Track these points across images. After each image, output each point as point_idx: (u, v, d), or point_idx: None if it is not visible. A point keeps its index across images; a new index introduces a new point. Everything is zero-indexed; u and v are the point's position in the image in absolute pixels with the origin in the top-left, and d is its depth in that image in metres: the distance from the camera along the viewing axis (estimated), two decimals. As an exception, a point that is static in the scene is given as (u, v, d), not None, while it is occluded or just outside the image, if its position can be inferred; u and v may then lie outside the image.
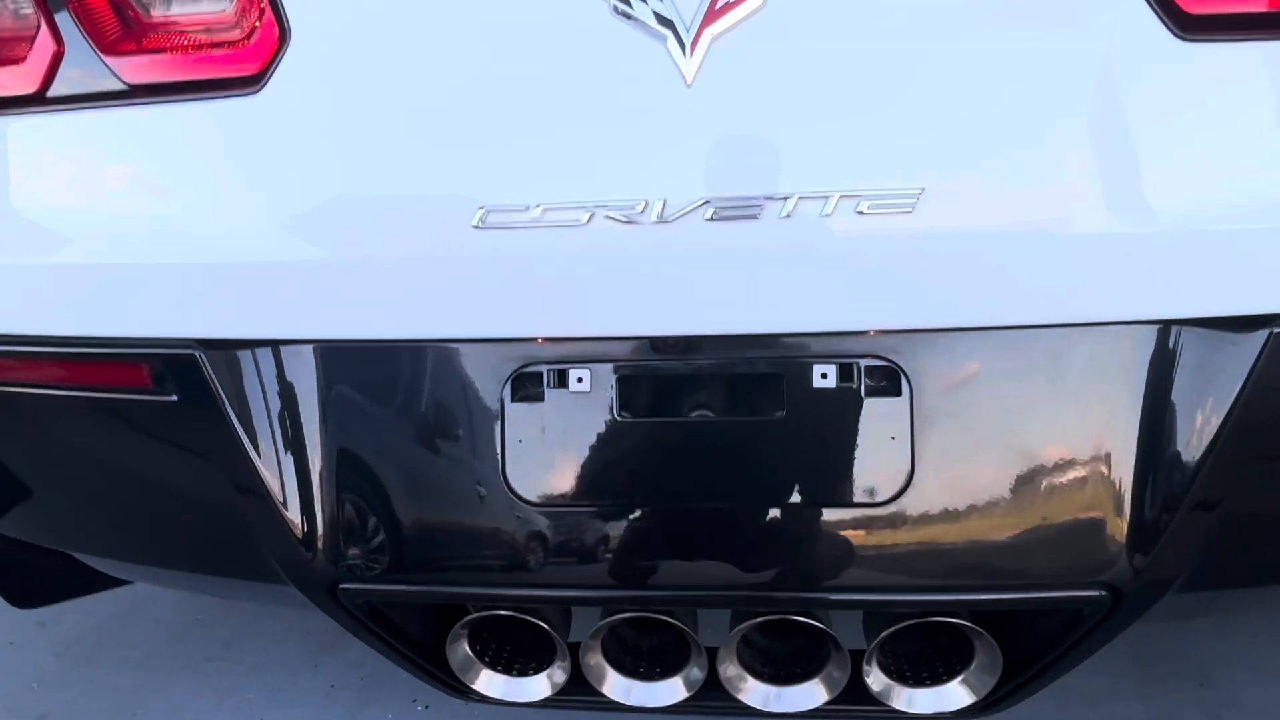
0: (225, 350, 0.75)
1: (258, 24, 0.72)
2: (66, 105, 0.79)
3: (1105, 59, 0.64)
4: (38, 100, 0.80)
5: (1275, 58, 0.64)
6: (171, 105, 0.74)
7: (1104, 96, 0.64)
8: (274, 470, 0.77)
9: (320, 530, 0.77)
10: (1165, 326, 0.66)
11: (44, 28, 0.79)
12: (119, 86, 0.77)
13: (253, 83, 0.72)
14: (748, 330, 0.69)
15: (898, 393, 0.69)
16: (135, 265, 0.75)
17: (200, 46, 0.74)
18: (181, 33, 0.75)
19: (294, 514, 0.77)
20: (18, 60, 0.80)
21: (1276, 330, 0.64)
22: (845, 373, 0.70)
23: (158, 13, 0.75)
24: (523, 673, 0.86)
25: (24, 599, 1.12)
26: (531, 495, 0.74)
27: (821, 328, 0.68)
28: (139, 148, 0.77)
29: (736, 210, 0.65)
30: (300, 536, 0.77)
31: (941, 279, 0.66)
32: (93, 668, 1.41)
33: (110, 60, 0.77)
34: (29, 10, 0.79)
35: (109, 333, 0.76)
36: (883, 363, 0.69)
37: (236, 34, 0.72)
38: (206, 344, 0.75)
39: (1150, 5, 0.63)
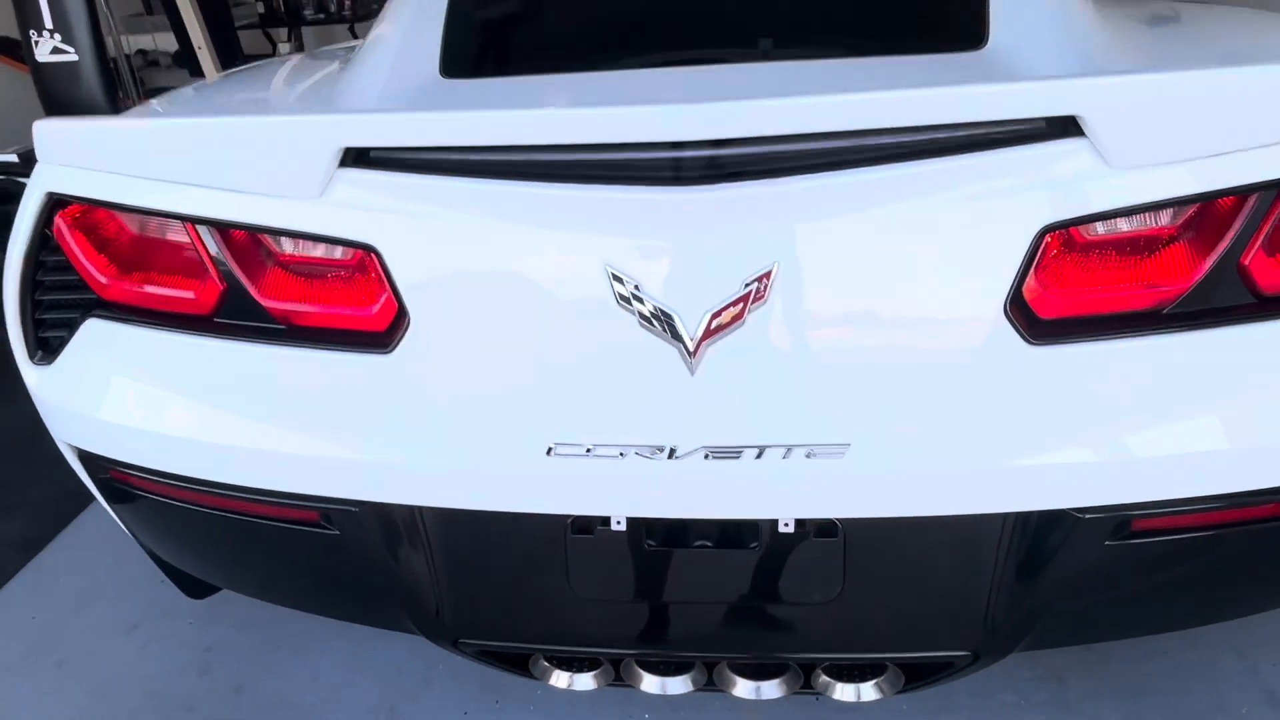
0: (377, 507, 1.09)
1: (393, 318, 1.00)
2: (229, 334, 1.08)
3: (975, 358, 0.94)
4: (205, 324, 1.09)
5: (1108, 353, 0.94)
6: (327, 351, 1.03)
7: (971, 387, 0.94)
8: (411, 574, 1.13)
9: (447, 608, 1.15)
10: (1003, 517, 1.00)
11: (213, 271, 1.07)
12: (274, 327, 1.06)
13: (385, 346, 1.01)
14: (732, 516, 1.03)
15: (834, 535, 1.05)
16: (320, 457, 1.06)
17: (340, 319, 1.03)
18: (325, 312, 1.03)
19: (427, 597, 1.15)
20: (192, 292, 1.08)
21: (1077, 519, 0.99)
22: (800, 524, 1.05)
23: (308, 300, 1.03)
24: (579, 671, 1.27)
25: (195, 594, 1.52)
26: (585, 592, 1.11)
27: (782, 515, 1.02)
28: (317, 377, 1.05)
29: (724, 454, 0.97)
30: (433, 610, 1.15)
31: (858, 491, 0.99)
32: (231, 604, 1.84)
33: (264, 303, 1.06)
34: (212, 254, 1.06)
35: (305, 490, 1.09)
36: (824, 520, 1.04)
37: (377, 322, 1.01)
38: (363, 504, 1.09)
39: (1006, 315, 0.92)
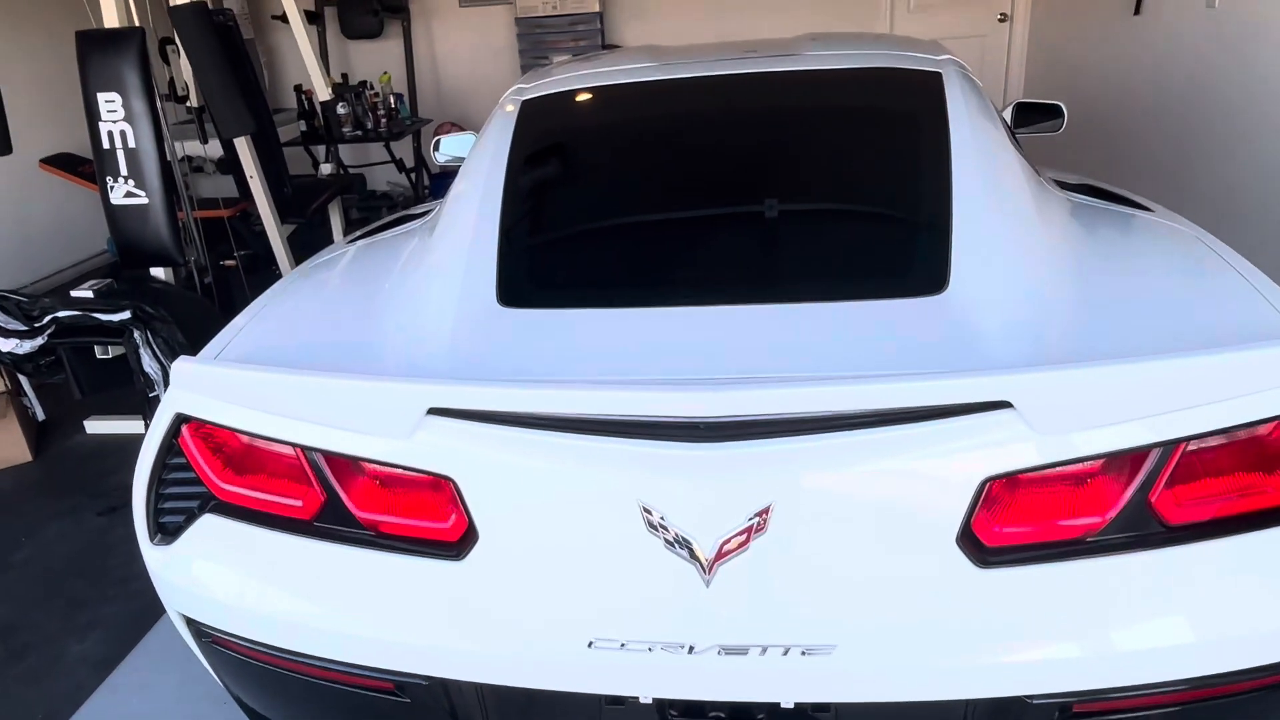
0: (444, 681, 1.31)
1: (464, 533, 1.24)
2: (325, 536, 1.32)
3: (935, 579, 1.16)
4: (306, 527, 1.33)
5: (1045, 574, 1.16)
6: (409, 556, 1.27)
7: (932, 601, 1.17)
8: None
9: None
10: (964, 703, 1.21)
11: (315, 484, 1.31)
12: (363, 534, 1.30)
13: (457, 555, 1.24)
14: (742, 700, 1.24)
15: (827, 712, 1.26)
16: (397, 641, 1.29)
17: (420, 530, 1.26)
18: (408, 524, 1.27)
19: None
20: (298, 500, 1.33)
21: (1026, 703, 1.20)
22: (799, 704, 1.25)
23: (394, 513, 1.27)
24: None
25: None
26: None
27: (783, 700, 1.24)
28: (400, 576, 1.29)
29: (734, 651, 1.19)
30: None
31: (846, 681, 1.20)
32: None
33: (358, 513, 1.30)
34: (314, 471, 1.31)
35: (382, 665, 1.31)
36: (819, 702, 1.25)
37: (451, 534, 1.25)
38: (432, 679, 1.31)
39: (958, 546, 1.15)
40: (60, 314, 3.08)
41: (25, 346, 3.09)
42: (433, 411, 1.21)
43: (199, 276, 3.95)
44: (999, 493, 1.17)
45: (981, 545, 1.17)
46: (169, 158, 3.40)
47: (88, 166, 5.01)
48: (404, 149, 6.05)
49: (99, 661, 2.33)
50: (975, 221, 1.57)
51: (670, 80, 2.20)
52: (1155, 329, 1.34)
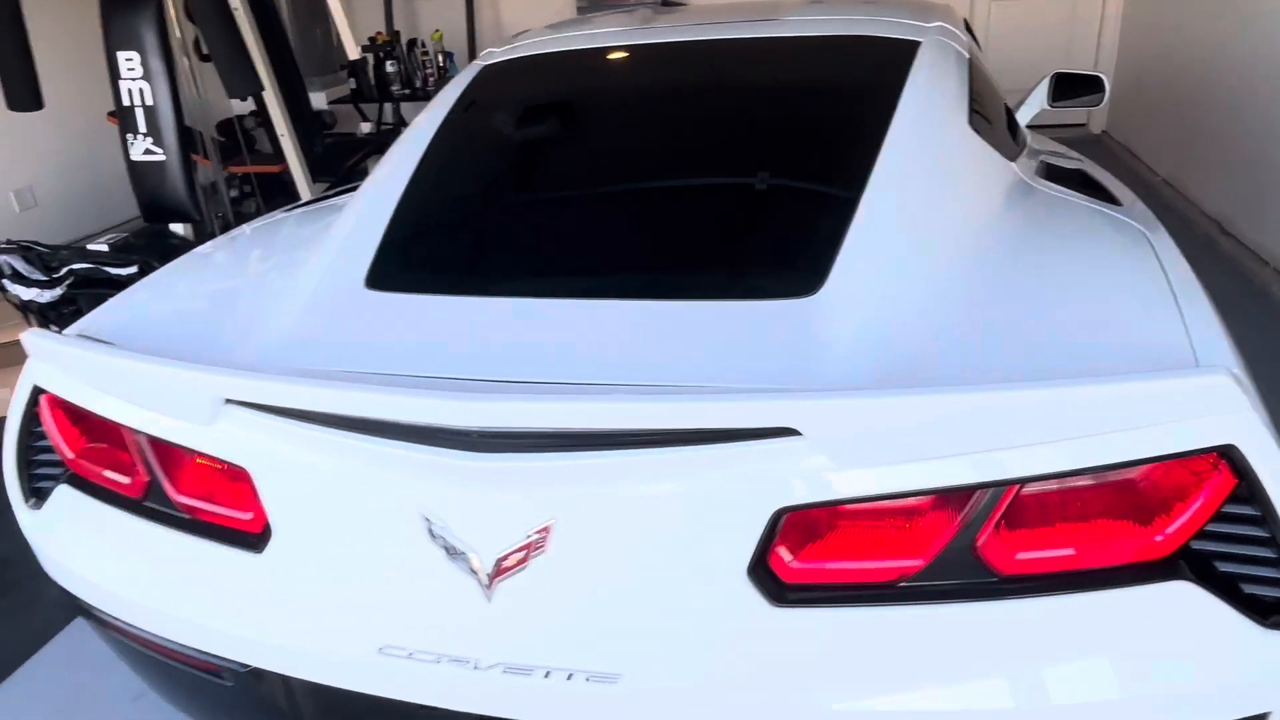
0: (258, 670, 1.29)
1: (264, 527, 1.21)
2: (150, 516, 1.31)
3: (723, 614, 1.06)
4: (136, 505, 1.33)
5: (847, 618, 1.05)
6: (218, 545, 1.25)
7: (720, 638, 1.07)
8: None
9: None
10: None
11: (140, 465, 1.30)
12: (181, 517, 1.28)
13: (257, 549, 1.22)
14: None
15: None
16: (215, 629, 1.28)
17: (228, 520, 1.24)
18: (217, 513, 1.25)
19: None
20: (128, 479, 1.32)
21: None
22: None
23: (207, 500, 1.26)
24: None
25: None
26: None
27: None
28: (212, 563, 1.27)
29: (517, 671, 1.12)
30: None
31: (631, 710, 1.11)
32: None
33: (175, 497, 1.28)
34: (140, 453, 1.30)
35: (210, 650, 1.30)
36: None
37: (253, 527, 1.22)
38: (249, 666, 1.29)
39: (750, 580, 1.05)
40: (76, 266, 3.21)
41: (46, 296, 3.24)
42: (231, 401, 1.18)
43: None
44: (798, 526, 1.06)
45: (779, 581, 1.06)
46: (186, 116, 3.48)
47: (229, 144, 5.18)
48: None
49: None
50: (880, 218, 1.42)
51: (625, 51, 2.10)
52: (1043, 351, 1.18)
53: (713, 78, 1.92)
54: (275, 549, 1.21)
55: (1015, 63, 6.28)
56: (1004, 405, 0.98)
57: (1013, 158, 1.90)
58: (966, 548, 1.04)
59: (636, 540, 1.08)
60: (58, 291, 3.24)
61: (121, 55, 3.26)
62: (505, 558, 1.09)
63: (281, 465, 1.19)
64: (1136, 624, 1.05)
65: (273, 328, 1.41)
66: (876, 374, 1.13)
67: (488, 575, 1.10)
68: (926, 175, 1.54)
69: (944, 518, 1.05)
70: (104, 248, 3.25)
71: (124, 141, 3.39)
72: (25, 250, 3.25)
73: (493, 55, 2.33)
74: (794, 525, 1.06)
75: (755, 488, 1.03)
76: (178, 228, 3.59)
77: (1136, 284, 1.33)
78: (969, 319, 1.25)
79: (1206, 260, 4.15)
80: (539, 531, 1.08)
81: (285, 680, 1.28)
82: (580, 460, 1.06)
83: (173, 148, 3.35)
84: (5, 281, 3.23)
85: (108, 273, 3.17)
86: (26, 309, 3.28)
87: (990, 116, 2.07)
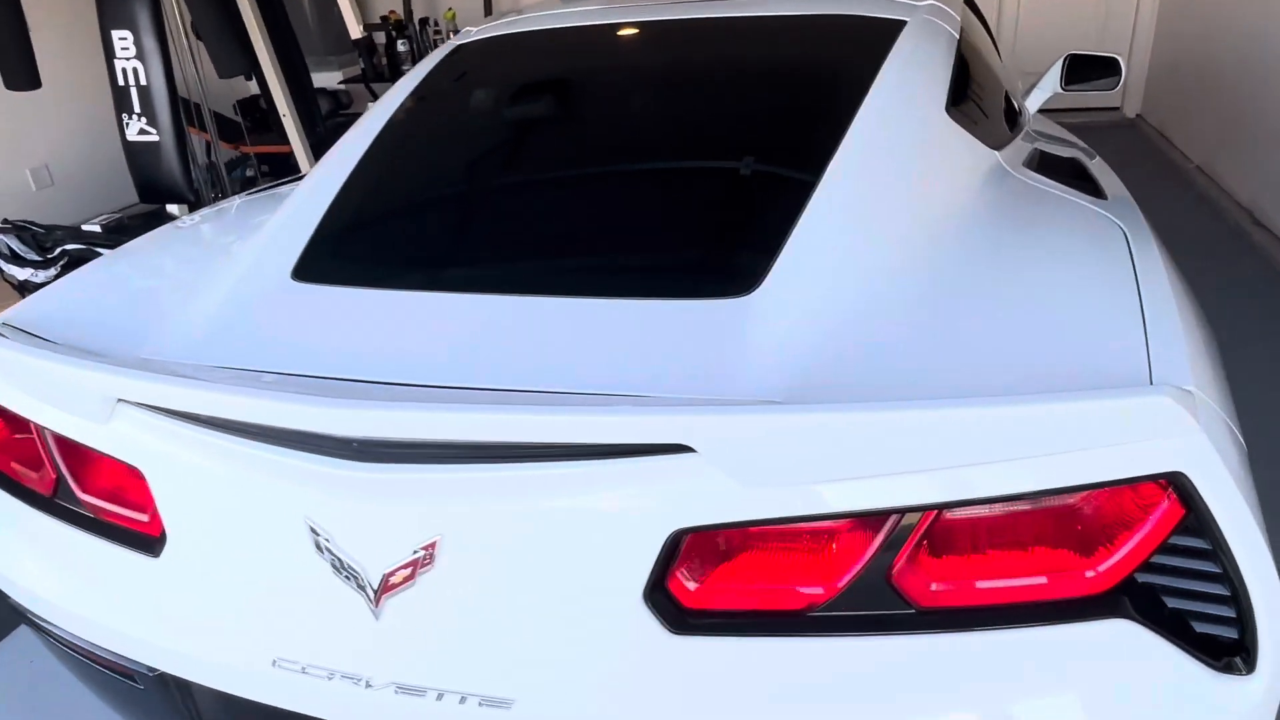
0: (163, 674, 1.25)
1: (161, 531, 1.16)
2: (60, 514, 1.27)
3: (618, 640, 0.99)
4: (48, 503, 1.29)
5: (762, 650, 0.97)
6: (121, 547, 1.21)
7: (615, 665, 1.00)
8: None
9: None
10: None
11: (48, 462, 1.26)
12: (87, 516, 1.24)
13: (154, 552, 1.17)
14: None
15: None
16: (119, 631, 1.23)
17: (128, 522, 1.19)
18: (119, 514, 1.20)
19: None
20: (39, 474, 1.28)
21: None
22: None
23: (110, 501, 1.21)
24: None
25: None
26: None
27: None
28: (115, 565, 1.23)
29: (410, 691, 1.06)
30: None
31: None
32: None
33: (80, 495, 1.24)
34: (48, 450, 1.26)
35: (120, 652, 1.26)
36: None
37: (151, 530, 1.17)
38: (153, 669, 1.25)
39: (647, 605, 0.97)
40: (69, 246, 3.21)
41: (40, 276, 3.25)
42: (123, 401, 1.13)
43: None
44: (700, 549, 0.98)
45: (679, 607, 0.99)
46: (186, 91, 3.45)
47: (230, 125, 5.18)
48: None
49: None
50: (832, 215, 1.33)
51: (591, 33, 2.01)
52: (986, 363, 1.08)
53: (677, 62, 1.83)
54: (171, 553, 1.16)
55: (1047, 43, 6.05)
56: (919, 424, 0.89)
57: (1001, 145, 1.79)
58: (881, 577, 0.96)
59: (528, 559, 1.01)
60: (52, 272, 3.24)
61: (115, 34, 3.24)
62: (392, 574, 1.03)
63: (174, 468, 1.13)
64: (1072, 665, 0.96)
65: (191, 320, 1.36)
66: (797, 385, 1.04)
67: (374, 592, 1.04)
68: (890, 169, 1.44)
69: (856, 544, 0.96)
70: (97, 229, 3.24)
71: (119, 122, 3.37)
72: (20, 230, 3.26)
73: (468, 34, 2.25)
74: (696, 548, 0.98)
75: (650, 507, 0.96)
76: (174, 208, 3.57)
77: (1101, 289, 1.22)
78: (912, 326, 1.15)
79: (1236, 250, 3.96)
80: (425, 547, 1.01)
81: (191, 686, 1.24)
82: (467, 473, 0.99)
83: (167, 128, 3.33)
84: (1, 262, 3.23)
85: (100, 253, 3.16)
86: (23, 289, 3.29)
87: (982, 101, 1.95)
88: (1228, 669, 0.96)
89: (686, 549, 0.98)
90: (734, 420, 0.89)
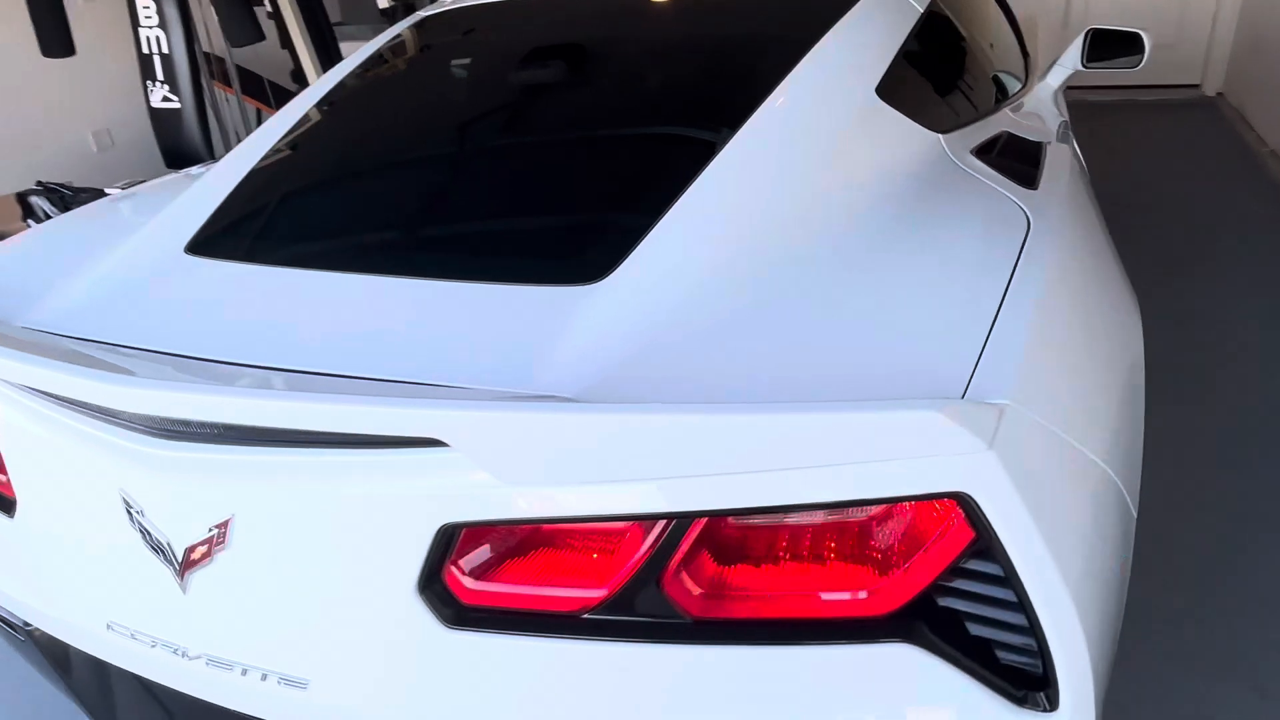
0: (35, 629, 1.30)
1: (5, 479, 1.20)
2: None
3: (395, 632, 0.98)
4: None
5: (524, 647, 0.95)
6: None
7: (394, 656, 0.99)
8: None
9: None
10: None
11: None
12: None
13: (9, 512, 1.21)
14: (235, 709, 1.12)
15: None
16: None
17: None
18: None
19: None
20: None
21: None
22: None
23: None
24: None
25: None
26: None
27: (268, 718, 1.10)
28: None
29: (220, 664, 1.08)
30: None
31: (320, 715, 1.06)
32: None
33: None
34: None
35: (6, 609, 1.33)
36: None
37: (7, 491, 1.21)
38: (27, 624, 1.31)
39: (421, 598, 0.95)
40: (93, 209, 3.34)
41: (68, 237, 3.40)
42: None
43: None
44: (477, 544, 0.96)
45: (456, 602, 0.97)
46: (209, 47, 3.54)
47: (221, 66, 5.38)
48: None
49: None
50: (709, 202, 1.27)
51: (521, 9, 1.98)
52: (809, 367, 1.02)
53: (603, 39, 1.78)
54: (22, 515, 1.21)
55: (1125, 18, 5.70)
56: (681, 429, 0.84)
57: (955, 127, 1.69)
58: (654, 583, 0.92)
59: (312, 544, 1.01)
60: (78, 233, 3.39)
61: (140, 2, 3.34)
62: (192, 549, 1.04)
63: (17, 434, 1.17)
64: (852, 688, 0.91)
65: (75, 291, 1.40)
66: (598, 383, 1.00)
67: (179, 565, 1.06)
68: (787, 159, 1.37)
69: (628, 548, 0.93)
70: (119, 191, 3.36)
71: (145, 89, 3.49)
72: (51, 193, 3.41)
73: (441, 4, 2.25)
74: (472, 543, 0.96)
75: (420, 499, 0.94)
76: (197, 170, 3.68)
77: (962, 292, 1.13)
78: (749, 327, 1.09)
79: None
80: (219, 526, 1.02)
81: (56, 642, 1.29)
82: (255, 455, 0.99)
83: (188, 95, 3.43)
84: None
85: (118, 217, 3.29)
86: (54, 248, 3.45)
87: (943, 80, 1.84)
88: (1025, 703, 0.89)
89: (463, 543, 0.96)
90: (483, 416, 0.86)
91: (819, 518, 0.90)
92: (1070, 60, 2.76)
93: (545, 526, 0.94)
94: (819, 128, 1.43)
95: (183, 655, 1.10)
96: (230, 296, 1.30)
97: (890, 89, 1.59)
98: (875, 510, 0.89)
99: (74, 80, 5.12)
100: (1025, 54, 3.00)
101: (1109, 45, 2.69)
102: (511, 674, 0.96)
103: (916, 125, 1.59)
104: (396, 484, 0.95)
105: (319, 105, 1.81)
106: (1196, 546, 2.12)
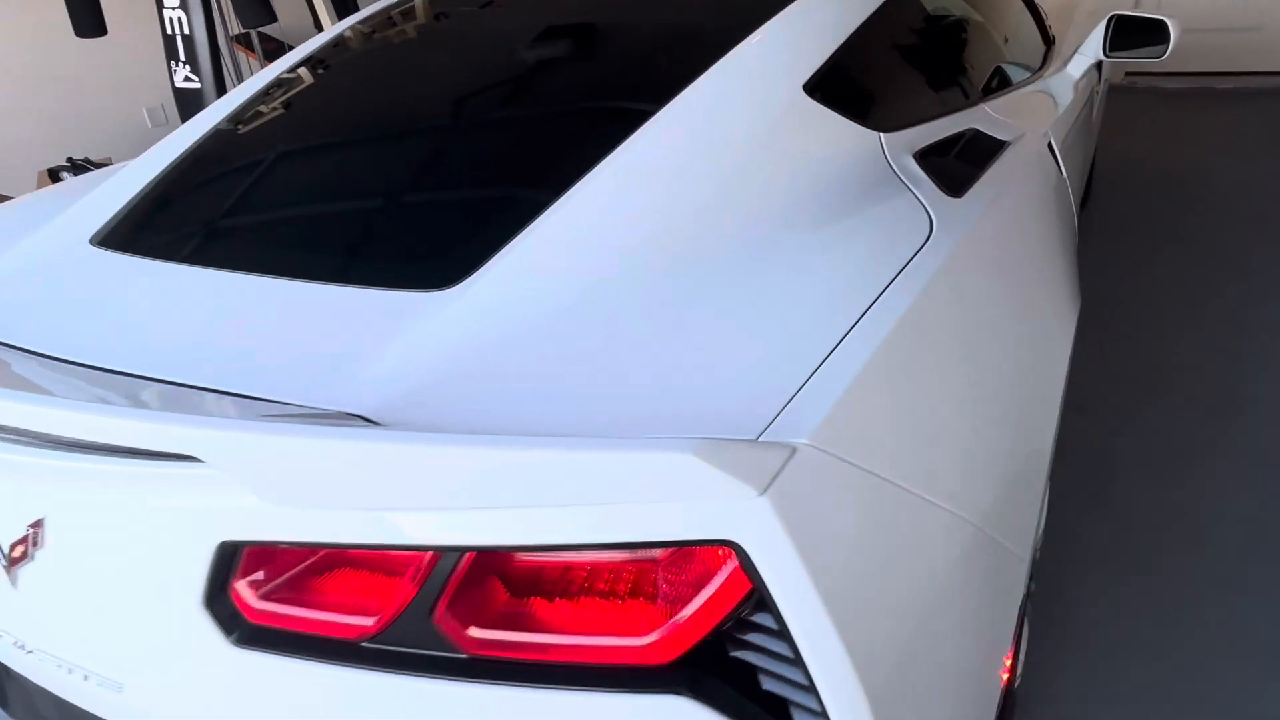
0: None
1: None
2: None
3: (186, 645, 0.96)
4: None
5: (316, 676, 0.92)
6: None
7: (187, 672, 0.97)
8: None
9: None
10: None
11: None
12: None
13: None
14: (68, 699, 1.12)
15: None
16: None
17: None
18: None
19: None
20: None
21: None
22: None
23: None
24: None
25: None
26: None
27: (96, 711, 1.09)
28: None
29: (55, 660, 1.09)
30: None
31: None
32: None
33: None
34: None
35: None
36: None
37: None
38: None
39: (207, 613, 0.93)
40: (116, 186, 3.44)
41: (94, 212, 3.51)
42: None
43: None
44: (259, 562, 0.93)
45: (243, 620, 0.95)
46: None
47: (271, 44, 5.48)
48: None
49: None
50: (586, 208, 1.21)
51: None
52: (625, 398, 0.95)
53: (523, 33, 1.72)
54: None
55: (1200, 5, 5.32)
56: (442, 460, 0.80)
57: (903, 125, 1.58)
58: (425, 616, 0.88)
59: (112, 550, 1.00)
60: (103, 209, 3.50)
61: (163, -16, 3.41)
62: (14, 546, 1.05)
63: None
64: None
65: None
66: (398, 400, 0.96)
67: (5, 560, 1.06)
68: (680, 161, 1.29)
69: (400, 579, 0.89)
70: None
71: (169, 69, 3.57)
72: (79, 169, 3.53)
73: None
74: (256, 562, 0.94)
75: (197, 513, 0.92)
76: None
77: (815, 315, 1.05)
78: (591, 349, 1.03)
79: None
80: (33, 526, 1.02)
81: None
82: (59, 459, 0.99)
83: (208, 75, 3.49)
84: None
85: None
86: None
87: (897, 76, 1.73)
88: None
89: (246, 561, 0.93)
90: (236, 436, 0.83)
91: (593, 558, 0.84)
92: (1092, 49, 2.59)
93: (323, 551, 0.91)
94: (725, 132, 1.35)
95: (22, 648, 1.12)
96: (103, 292, 1.30)
97: (826, 85, 1.50)
98: (649, 554, 0.83)
99: (127, 58, 5.30)
100: (1050, 41, 2.82)
101: (1133, 33, 2.50)
102: (296, 699, 0.94)
103: (852, 124, 1.49)
104: (177, 497, 0.93)
105: (251, 99, 1.81)
106: None
